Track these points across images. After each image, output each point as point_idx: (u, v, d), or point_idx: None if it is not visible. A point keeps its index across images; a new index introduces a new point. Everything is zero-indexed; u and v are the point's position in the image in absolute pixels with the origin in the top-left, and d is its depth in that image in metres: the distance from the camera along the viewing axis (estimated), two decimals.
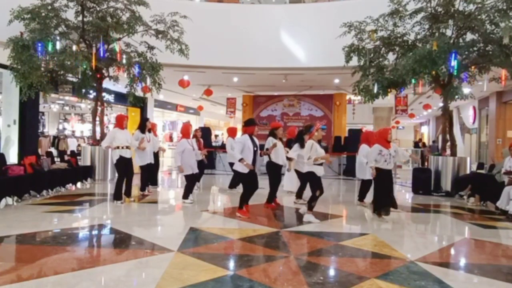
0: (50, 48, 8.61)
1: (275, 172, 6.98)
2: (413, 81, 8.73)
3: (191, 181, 7.13)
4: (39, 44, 8.52)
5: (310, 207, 5.96)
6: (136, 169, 7.46)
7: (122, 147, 6.88)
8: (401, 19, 8.99)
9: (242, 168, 5.91)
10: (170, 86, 13.28)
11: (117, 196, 6.96)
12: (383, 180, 6.06)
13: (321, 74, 12.54)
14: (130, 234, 4.92)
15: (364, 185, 7.47)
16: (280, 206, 7.09)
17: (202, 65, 11.52)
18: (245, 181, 6.13)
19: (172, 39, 9.78)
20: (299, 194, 7.51)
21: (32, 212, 6.03)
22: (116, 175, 7.29)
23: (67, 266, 3.66)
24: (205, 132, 15.79)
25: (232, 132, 9.18)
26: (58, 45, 8.77)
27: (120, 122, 7.10)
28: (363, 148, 7.19)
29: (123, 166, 6.97)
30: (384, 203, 6.11)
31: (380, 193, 6.14)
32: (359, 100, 16.54)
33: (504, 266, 4.10)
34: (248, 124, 6.26)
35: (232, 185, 8.71)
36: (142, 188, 7.99)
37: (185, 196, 7.08)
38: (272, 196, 6.96)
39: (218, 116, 27.45)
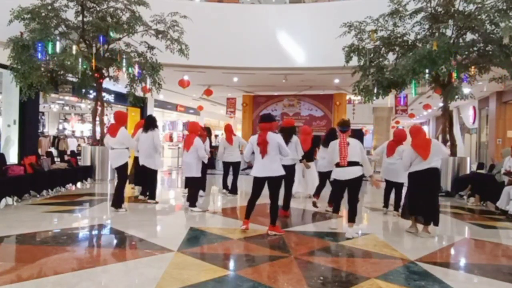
0: (50, 48, 8.59)
1: (290, 173, 5.94)
2: (413, 86, 8.69)
3: (196, 185, 6.48)
4: (39, 44, 8.50)
5: (351, 219, 5.09)
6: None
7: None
8: (401, 19, 8.99)
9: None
10: (170, 86, 13.28)
11: (120, 203, 6.27)
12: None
13: (321, 74, 12.55)
14: (130, 234, 4.92)
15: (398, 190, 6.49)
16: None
17: (202, 65, 11.53)
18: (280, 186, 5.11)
19: (172, 39, 9.78)
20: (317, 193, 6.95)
21: (32, 212, 6.03)
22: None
23: (67, 266, 3.65)
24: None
25: (230, 129, 8.47)
26: (58, 46, 8.74)
27: (126, 120, 6.50)
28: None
29: (127, 169, 6.50)
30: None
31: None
32: (359, 100, 16.53)
33: (504, 266, 4.10)
34: (272, 119, 5.13)
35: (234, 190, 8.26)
36: (153, 196, 7.14)
37: (192, 203, 6.39)
38: (289, 201, 6.22)
39: (218, 116, 27.44)
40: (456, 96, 8.92)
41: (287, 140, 5.84)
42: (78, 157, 10.42)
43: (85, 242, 4.72)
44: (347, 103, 17.34)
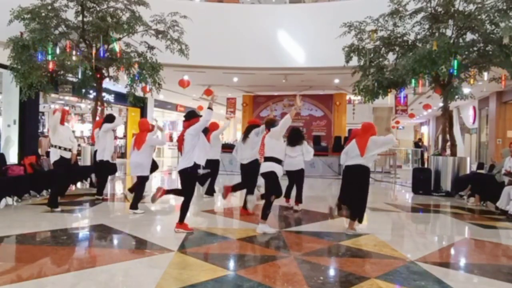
0: (50, 50, 8.60)
1: (250, 170, 6.28)
2: (413, 83, 8.69)
3: (143, 184, 6.42)
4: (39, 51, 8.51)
5: (264, 215, 5.14)
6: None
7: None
8: (401, 19, 8.99)
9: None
10: (170, 86, 13.29)
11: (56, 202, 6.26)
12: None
13: (321, 74, 12.55)
14: (130, 234, 4.92)
15: None
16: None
17: (202, 65, 11.53)
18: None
19: (172, 39, 9.78)
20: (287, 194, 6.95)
21: (32, 212, 6.03)
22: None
23: (67, 266, 3.66)
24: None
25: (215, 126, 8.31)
26: (58, 48, 8.77)
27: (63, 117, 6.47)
28: None
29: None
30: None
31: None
32: (359, 100, 16.53)
33: (504, 266, 4.10)
34: (192, 117, 5.30)
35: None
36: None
37: (136, 205, 6.23)
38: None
39: (218, 116, 27.44)
40: (456, 96, 8.92)
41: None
42: (78, 157, 10.38)
43: (85, 242, 4.71)
44: (347, 103, 17.32)
